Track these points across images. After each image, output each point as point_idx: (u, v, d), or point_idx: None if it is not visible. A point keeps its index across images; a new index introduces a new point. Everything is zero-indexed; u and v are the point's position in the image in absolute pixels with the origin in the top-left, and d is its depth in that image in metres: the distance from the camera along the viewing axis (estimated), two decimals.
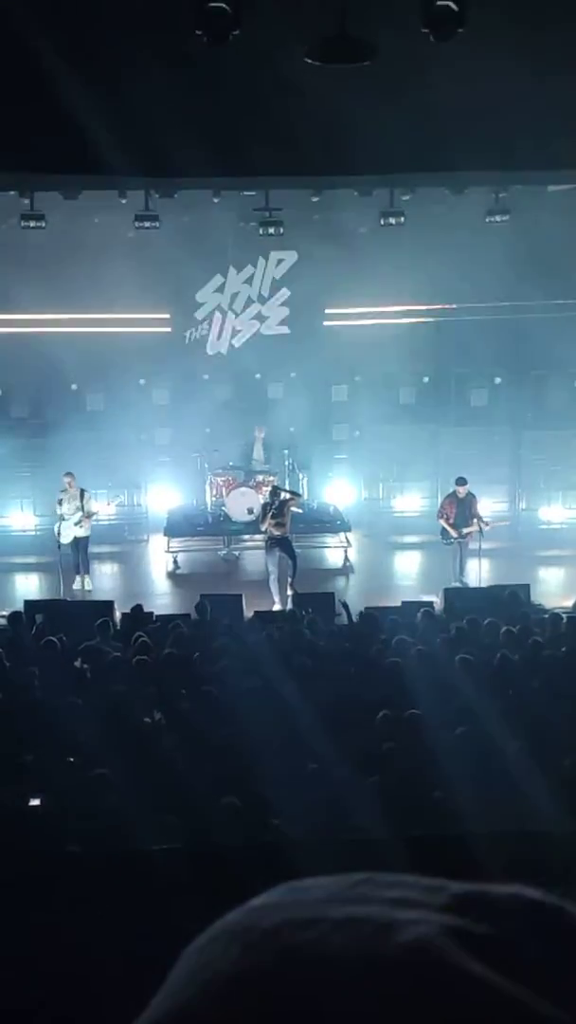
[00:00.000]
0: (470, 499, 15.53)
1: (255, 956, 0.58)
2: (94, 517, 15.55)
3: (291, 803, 6.61)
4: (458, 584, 15.10)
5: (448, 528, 15.37)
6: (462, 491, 15.49)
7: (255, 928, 0.60)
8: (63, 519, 15.27)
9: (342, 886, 0.62)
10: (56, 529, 15.26)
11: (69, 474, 15.60)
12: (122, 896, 4.98)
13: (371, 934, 0.57)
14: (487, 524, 15.33)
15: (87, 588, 15.37)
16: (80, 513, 15.27)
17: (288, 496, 15.24)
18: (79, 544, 15.34)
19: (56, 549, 15.15)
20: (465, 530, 15.31)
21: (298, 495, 15.98)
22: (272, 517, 14.72)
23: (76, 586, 15.29)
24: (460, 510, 15.42)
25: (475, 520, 15.28)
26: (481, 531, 15.24)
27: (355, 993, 0.55)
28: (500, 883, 0.62)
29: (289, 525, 14.98)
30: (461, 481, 15.51)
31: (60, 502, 15.39)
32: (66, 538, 15.18)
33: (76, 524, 15.25)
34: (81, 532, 15.32)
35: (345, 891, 0.61)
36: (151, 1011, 0.59)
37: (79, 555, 15.35)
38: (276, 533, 14.71)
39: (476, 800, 6.50)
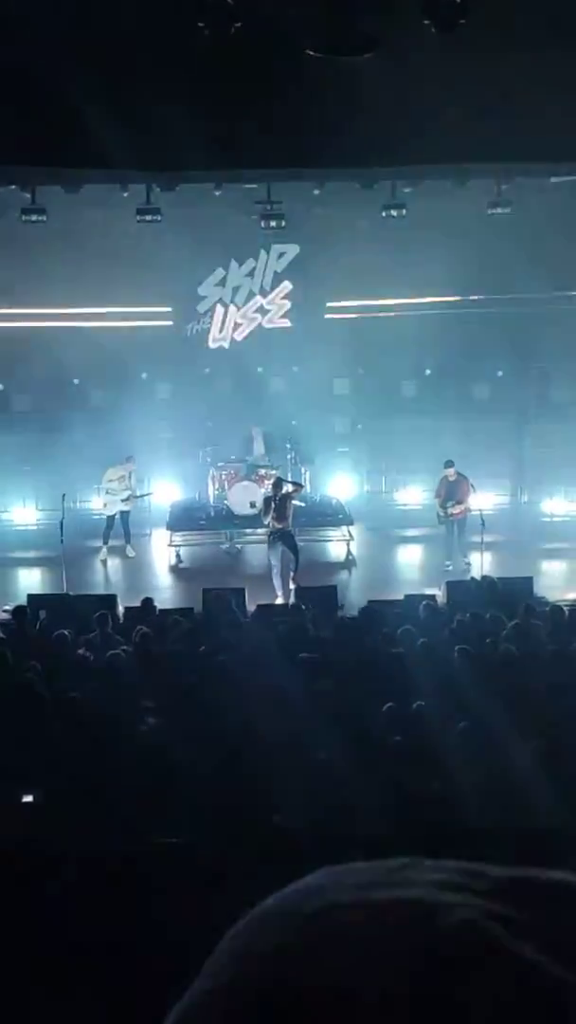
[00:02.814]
0: (460, 481, 15.94)
1: (300, 938, 0.57)
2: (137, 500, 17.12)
3: (294, 797, 6.62)
4: (451, 567, 15.56)
5: (439, 510, 16.02)
6: (451, 474, 15.97)
7: (298, 912, 0.59)
8: (109, 492, 16.82)
9: (384, 870, 0.62)
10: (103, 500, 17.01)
11: (131, 458, 17.06)
12: (123, 891, 4.98)
13: (418, 916, 0.57)
14: (457, 512, 15.88)
15: (130, 555, 16.95)
16: (129, 491, 16.83)
17: (291, 488, 15.23)
18: (124, 517, 16.83)
19: (59, 543, 15.18)
20: (449, 509, 15.82)
21: (300, 486, 15.99)
22: (274, 510, 14.72)
23: (130, 553, 16.93)
24: (449, 492, 15.96)
25: (457, 503, 15.88)
26: (447, 513, 15.92)
27: (404, 975, 0.54)
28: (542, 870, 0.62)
29: (292, 518, 14.98)
30: (448, 464, 16.05)
31: (123, 478, 16.87)
32: (110, 509, 16.75)
33: (124, 500, 16.79)
34: (125, 507, 16.81)
35: (388, 875, 0.61)
36: (193, 992, 0.58)
37: (124, 526, 16.86)
38: (278, 526, 14.71)
39: (481, 795, 6.50)
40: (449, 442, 18.02)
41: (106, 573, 16.63)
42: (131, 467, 16.96)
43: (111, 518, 16.78)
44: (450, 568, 15.60)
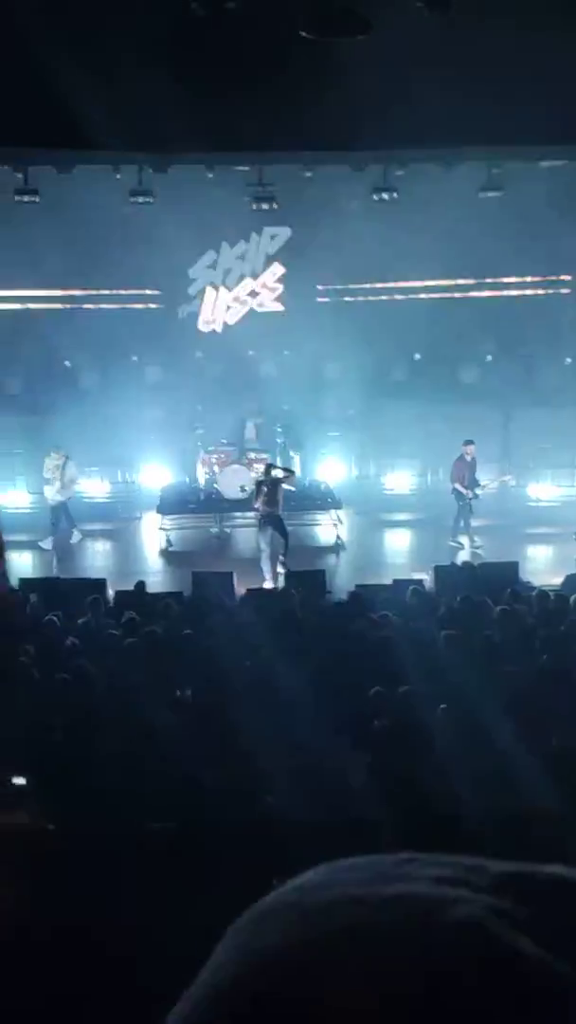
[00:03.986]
0: (475, 462, 16.14)
1: (305, 933, 0.57)
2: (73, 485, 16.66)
3: (282, 780, 6.66)
4: (462, 547, 15.75)
5: (462, 490, 15.92)
6: (469, 452, 16.04)
7: (302, 905, 0.59)
8: (49, 483, 16.46)
9: (386, 865, 0.62)
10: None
11: (58, 447, 16.55)
12: (114, 874, 5.02)
13: (421, 912, 0.57)
14: (483, 487, 16.15)
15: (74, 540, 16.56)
16: (59, 482, 16.33)
17: (282, 475, 15.25)
18: (62, 506, 16.40)
19: (50, 526, 15.20)
20: (477, 490, 15.99)
21: (292, 472, 15.99)
22: (265, 495, 14.74)
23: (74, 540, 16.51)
24: (471, 471, 16.04)
25: (489, 478, 16.18)
26: (476, 494, 16.01)
27: (408, 969, 0.55)
28: (538, 863, 0.63)
29: (282, 503, 15.01)
30: (468, 442, 16.07)
31: (57, 467, 16.46)
32: (52, 499, 16.36)
33: (56, 490, 16.38)
34: (61, 497, 16.37)
35: (390, 870, 0.61)
36: (199, 987, 0.58)
37: (66, 514, 16.46)
38: (268, 511, 14.73)
39: (467, 777, 6.54)
40: (437, 426, 18.04)
41: (96, 557, 16.64)
42: (61, 456, 16.38)
43: (55, 508, 16.37)
44: (466, 548, 15.80)
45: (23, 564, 16.01)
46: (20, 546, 16.64)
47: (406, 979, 0.54)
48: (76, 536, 16.54)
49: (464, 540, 16.00)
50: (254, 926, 0.60)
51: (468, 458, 16.05)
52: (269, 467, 15.44)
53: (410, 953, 0.55)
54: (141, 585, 12.40)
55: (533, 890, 0.60)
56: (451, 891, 0.59)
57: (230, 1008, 0.56)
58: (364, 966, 0.55)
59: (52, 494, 16.34)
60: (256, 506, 14.94)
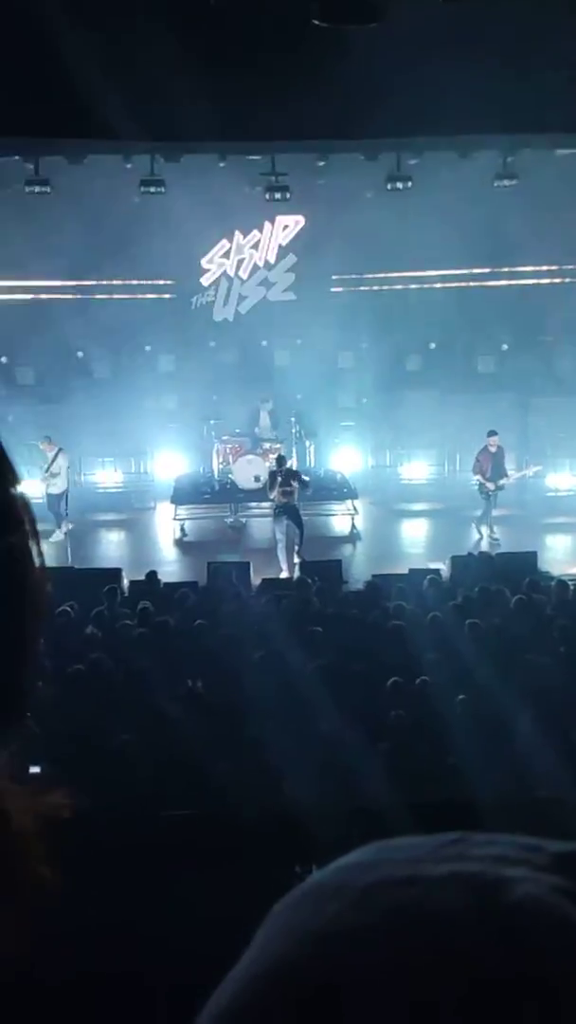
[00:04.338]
0: (501, 453, 15.95)
1: (354, 914, 0.54)
2: (58, 476, 16.11)
3: (299, 769, 6.65)
4: (481, 537, 15.69)
5: (484, 482, 15.76)
6: (493, 444, 15.89)
7: (349, 886, 0.56)
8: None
9: (436, 845, 0.59)
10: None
11: (47, 438, 16.27)
12: (132, 863, 5.02)
13: (479, 890, 0.54)
14: (508, 478, 16.03)
15: (56, 539, 15.68)
16: (47, 472, 15.99)
17: (295, 479, 15.00)
18: (52, 499, 15.93)
19: (65, 516, 15.19)
20: (501, 481, 15.79)
21: (306, 484, 15.33)
22: (280, 485, 14.71)
23: (56, 537, 15.69)
24: (495, 463, 15.85)
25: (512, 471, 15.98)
26: (501, 486, 15.87)
27: (469, 950, 0.52)
28: None
29: (297, 493, 14.97)
30: (492, 433, 15.92)
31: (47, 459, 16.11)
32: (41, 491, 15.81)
33: (42, 481, 15.98)
34: (52, 490, 15.96)
35: (440, 849, 0.59)
36: (242, 970, 0.56)
37: (55, 508, 15.97)
38: (284, 501, 14.70)
39: (484, 767, 6.52)
40: (454, 416, 17.98)
41: (111, 547, 16.65)
42: (53, 447, 16.13)
43: (51, 499, 15.93)
44: (484, 538, 15.75)
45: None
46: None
47: (466, 961, 0.52)
48: (58, 535, 15.78)
49: (484, 530, 15.93)
50: (293, 910, 0.57)
51: (492, 449, 15.91)
52: (282, 457, 15.39)
53: (469, 934, 0.52)
54: (152, 575, 12.38)
55: None
56: (510, 870, 0.56)
57: (284, 989, 0.53)
58: (419, 946, 0.52)
59: (44, 486, 15.87)
60: (271, 496, 14.91)
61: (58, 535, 15.78)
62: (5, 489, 0.72)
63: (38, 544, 0.73)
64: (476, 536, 15.89)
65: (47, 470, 16.01)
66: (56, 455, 16.12)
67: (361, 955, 0.53)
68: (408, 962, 0.52)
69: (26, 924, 0.69)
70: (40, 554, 0.73)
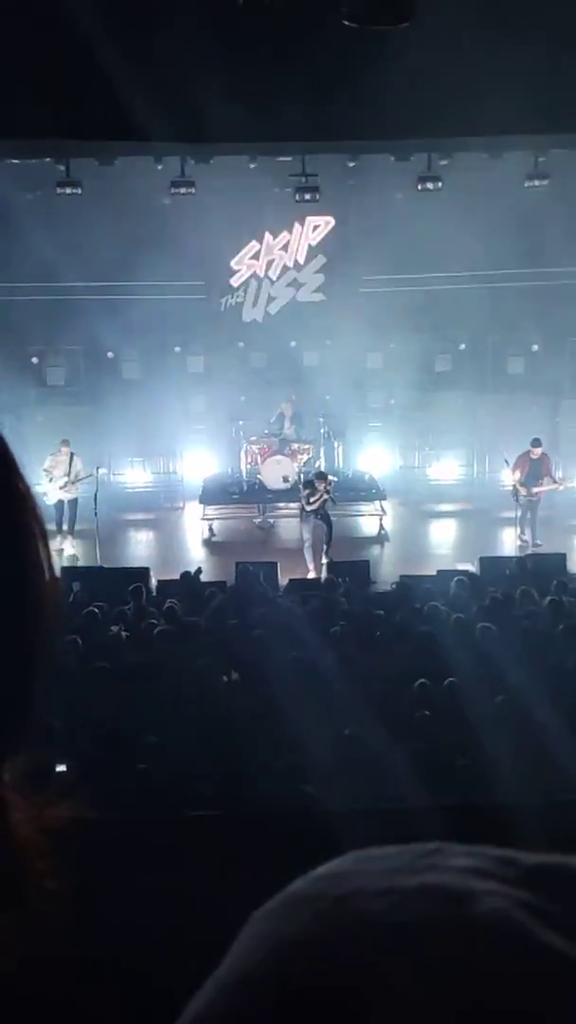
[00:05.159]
0: (544, 460, 15.81)
1: (326, 923, 0.56)
2: (81, 482, 15.79)
3: (326, 770, 6.64)
4: (521, 543, 15.56)
5: (518, 485, 15.65)
6: (536, 452, 15.77)
7: (325, 896, 0.58)
8: (52, 481, 15.60)
9: (412, 856, 0.60)
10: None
11: (65, 441, 15.98)
12: (157, 862, 5.02)
13: (446, 903, 0.55)
14: (558, 484, 15.78)
15: (68, 551, 15.53)
16: (67, 477, 15.66)
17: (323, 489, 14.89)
18: (64, 505, 15.67)
19: (93, 516, 15.22)
20: (535, 488, 15.61)
21: (331, 497, 15.05)
22: (310, 497, 14.65)
23: (68, 549, 15.53)
24: (532, 470, 15.71)
25: (546, 480, 15.68)
26: (529, 492, 15.62)
27: (431, 962, 0.53)
28: (565, 855, 0.60)
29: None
30: (536, 442, 15.79)
31: (62, 464, 15.79)
32: (51, 498, 15.42)
33: (61, 487, 15.61)
34: (65, 495, 15.67)
35: (416, 860, 0.59)
36: (218, 976, 0.57)
37: (71, 515, 15.71)
38: (316, 508, 14.68)
39: (513, 769, 6.49)
40: (483, 417, 17.90)
41: (139, 546, 16.70)
42: (66, 453, 15.84)
43: (58, 506, 15.59)
44: (526, 541, 15.64)
45: (66, 552, 16.08)
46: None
47: (428, 971, 0.52)
48: (68, 548, 15.54)
49: (526, 536, 15.80)
50: (271, 917, 0.58)
51: (534, 456, 15.75)
52: (310, 482, 15.10)
53: (432, 944, 0.53)
54: (187, 575, 12.39)
55: (566, 884, 0.57)
56: (478, 883, 0.56)
57: (256, 996, 0.55)
58: (383, 957, 0.53)
59: (57, 491, 15.55)
60: (308, 508, 14.72)
61: (68, 548, 15.65)
62: (18, 500, 0.71)
63: (49, 556, 0.72)
64: (519, 542, 15.74)
65: (68, 475, 15.75)
66: (72, 459, 15.90)
67: (330, 963, 0.54)
68: (375, 971, 0.53)
69: (28, 938, 0.70)
70: (51, 567, 0.72)
